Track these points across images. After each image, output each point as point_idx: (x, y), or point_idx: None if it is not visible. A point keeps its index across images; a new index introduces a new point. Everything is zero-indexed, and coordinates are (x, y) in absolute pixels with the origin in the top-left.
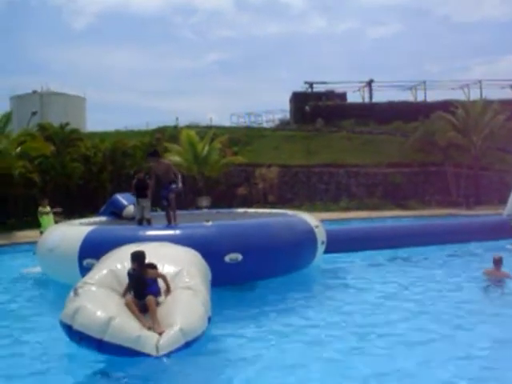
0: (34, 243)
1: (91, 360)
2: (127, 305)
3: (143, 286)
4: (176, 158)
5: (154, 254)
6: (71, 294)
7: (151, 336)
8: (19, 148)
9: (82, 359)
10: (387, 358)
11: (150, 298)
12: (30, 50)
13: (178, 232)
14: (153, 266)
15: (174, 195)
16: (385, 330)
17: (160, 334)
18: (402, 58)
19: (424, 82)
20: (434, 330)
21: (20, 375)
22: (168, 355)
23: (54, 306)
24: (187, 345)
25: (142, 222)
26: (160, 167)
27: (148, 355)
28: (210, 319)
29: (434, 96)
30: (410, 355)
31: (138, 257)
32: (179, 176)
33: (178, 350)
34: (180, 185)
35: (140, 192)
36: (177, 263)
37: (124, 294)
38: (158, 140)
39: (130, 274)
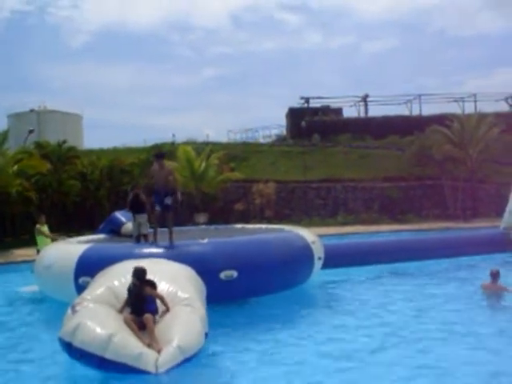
0: (31, 261)
1: (90, 376)
2: (126, 322)
3: (142, 303)
4: None
5: (150, 270)
6: (69, 311)
7: (151, 353)
8: (16, 166)
9: (81, 376)
10: None
11: (147, 317)
12: (27, 69)
13: (173, 249)
14: (153, 284)
15: (172, 213)
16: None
17: (158, 351)
18: (397, 73)
19: (419, 96)
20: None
21: None
22: (167, 371)
23: (51, 324)
24: (185, 361)
25: (140, 238)
26: (160, 171)
27: (148, 372)
28: (207, 335)
29: (429, 110)
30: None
31: (138, 272)
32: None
33: (177, 366)
34: (179, 194)
35: (136, 208)
36: (172, 279)
37: (121, 310)
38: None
39: (129, 290)
